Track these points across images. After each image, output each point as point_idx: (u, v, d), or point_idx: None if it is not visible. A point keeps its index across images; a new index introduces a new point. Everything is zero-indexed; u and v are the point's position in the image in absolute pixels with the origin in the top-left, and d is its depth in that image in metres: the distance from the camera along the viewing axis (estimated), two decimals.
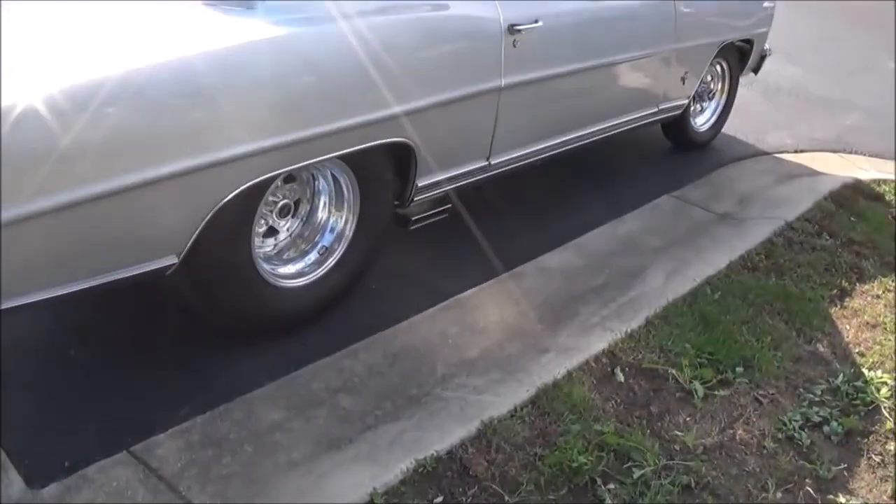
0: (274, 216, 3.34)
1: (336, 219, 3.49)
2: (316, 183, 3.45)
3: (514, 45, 3.64)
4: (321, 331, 3.46)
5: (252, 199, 2.99)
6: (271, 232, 3.41)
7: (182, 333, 3.36)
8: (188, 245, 2.81)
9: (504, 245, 4.25)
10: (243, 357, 3.27)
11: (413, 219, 3.70)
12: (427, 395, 3.16)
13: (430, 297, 3.77)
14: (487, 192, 4.45)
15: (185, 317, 3.34)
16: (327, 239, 3.49)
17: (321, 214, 3.49)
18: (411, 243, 4.10)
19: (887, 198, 5.46)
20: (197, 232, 2.80)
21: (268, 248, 3.42)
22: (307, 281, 3.41)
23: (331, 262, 3.48)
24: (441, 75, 3.40)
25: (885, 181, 5.68)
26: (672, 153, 5.91)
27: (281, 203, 3.32)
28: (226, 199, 2.81)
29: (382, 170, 3.43)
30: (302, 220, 3.50)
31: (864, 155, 6.40)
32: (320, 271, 3.45)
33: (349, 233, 3.48)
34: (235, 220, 2.97)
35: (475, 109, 3.64)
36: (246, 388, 3.09)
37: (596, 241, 4.46)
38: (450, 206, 3.84)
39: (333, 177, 3.43)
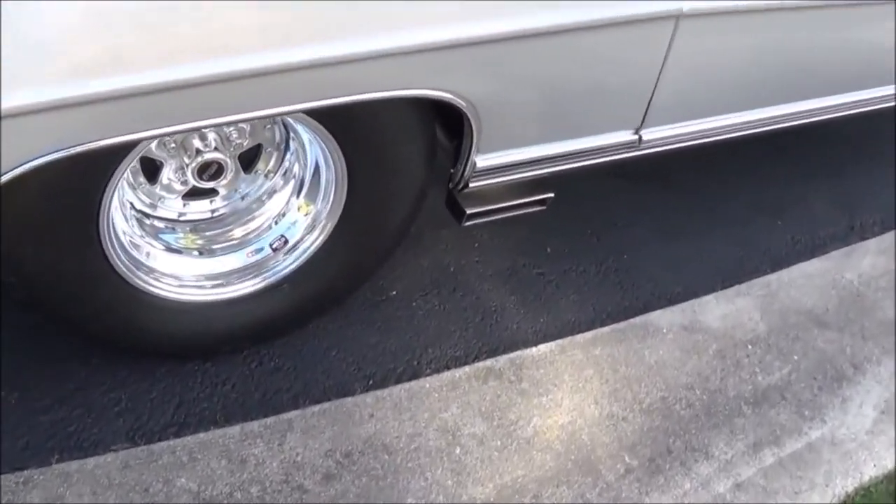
0: (191, 174, 1.84)
1: (299, 216, 1.98)
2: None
3: None
4: (258, 368, 2.09)
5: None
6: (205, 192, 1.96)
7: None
8: None
9: (643, 266, 2.60)
10: (107, 389, 1.99)
11: (469, 212, 2.10)
12: None
13: (473, 340, 2.28)
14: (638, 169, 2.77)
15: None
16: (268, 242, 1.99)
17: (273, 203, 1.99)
18: (498, 230, 2.54)
19: None
20: None
21: (199, 216, 1.97)
22: (224, 295, 1.95)
23: (267, 275, 1.99)
24: None
25: None
26: None
27: (207, 155, 1.81)
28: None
29: (398, 139, 1.85)
30: (267, 176, 2.01)
31: None
32: (245, 285, 1.97)
33: (315, 242, 1.97)
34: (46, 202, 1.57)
35: (625, 47, 1.92)
36: (75, 448, 1.88)
37: (800, 285, 2.70)
38: (552, 196, 2.18)
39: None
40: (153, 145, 1.79)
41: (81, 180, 1.56)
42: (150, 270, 1.86)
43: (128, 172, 1.80)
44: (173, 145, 1.81)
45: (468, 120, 1.81)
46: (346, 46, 1.53)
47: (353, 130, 1.75)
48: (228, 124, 1.72)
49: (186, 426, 1.93)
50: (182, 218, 1.99)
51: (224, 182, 1.93)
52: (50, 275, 1.68)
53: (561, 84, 1.90)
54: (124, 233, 1.80)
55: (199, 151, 1.81)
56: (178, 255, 1.94)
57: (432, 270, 2.44)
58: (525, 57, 1.77)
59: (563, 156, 2.08)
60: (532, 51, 1.76)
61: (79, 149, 1.44)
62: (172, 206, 1.96)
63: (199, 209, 2.00)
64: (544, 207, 2.22)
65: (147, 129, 1.48)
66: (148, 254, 1.87)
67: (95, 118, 1.43)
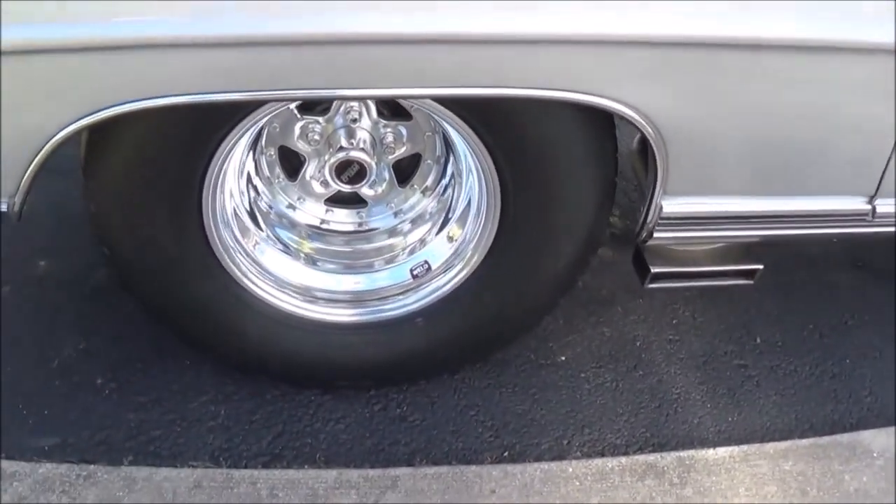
0: (328, 171, 1.63)
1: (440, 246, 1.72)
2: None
3: None
4: (381, 413, 1.84)
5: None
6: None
7: None
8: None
9: (865, 376, 2.13)
10: (208, 400, 1.83)
11: (655, 272, 1.76)
12: None
13: (641, 428, 1.92)
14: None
15: None
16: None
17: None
18: (703, 308, 2.21)
19: None
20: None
21: (343, 227, 1.78)
22: (327, 316, 1.71)
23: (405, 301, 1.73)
24: None
25: None
26: None
27: (350, 153, 1.60)
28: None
29: (566, 164, 1.56)
30: (424, 193, 1.78)
31: None
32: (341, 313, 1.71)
33: (455, 278, 1.69)
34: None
35: (860, 85, 1.52)
36: (152, 454, 1.72)
37: None
38: (759, 268, 1.81)
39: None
40: (296, 135, 1.60)
41: (185, 137, 1.38)
42: (251, 262, 1.64)
43: (264, 164, 1.63)
44: (317, 138, 1.61)
45: (652, 150, 1.49)
46: (503, 24, 1.27)
47: (510, 139, 1.48)
48: (351, 98, 1.50)
49: (280, 458, 1.70)
50: (324, 226, 1.78)
51: (372, 192, 1.71)
52: (141, 248, 1.50)
53: (778, 120, 1.54)
54: (234, 211, 1.60)
55: (342, 149, 1.59)
56: (286, 255, 1.72)
57: (614, 341, 2.11)
58: (737, 75, 1.43)
59: (773, 217, 1.71)
60: (747, 68, 1.43)
61: (183, 99, 1.25)
62: (313, 211, 1.75)
63: (344, 219, 1.78)
64: (751, 282, 1.86)
65: (251, 90, 1.27)
66: (256, 244, 1.66)
67: (202, 68, 1.25)
